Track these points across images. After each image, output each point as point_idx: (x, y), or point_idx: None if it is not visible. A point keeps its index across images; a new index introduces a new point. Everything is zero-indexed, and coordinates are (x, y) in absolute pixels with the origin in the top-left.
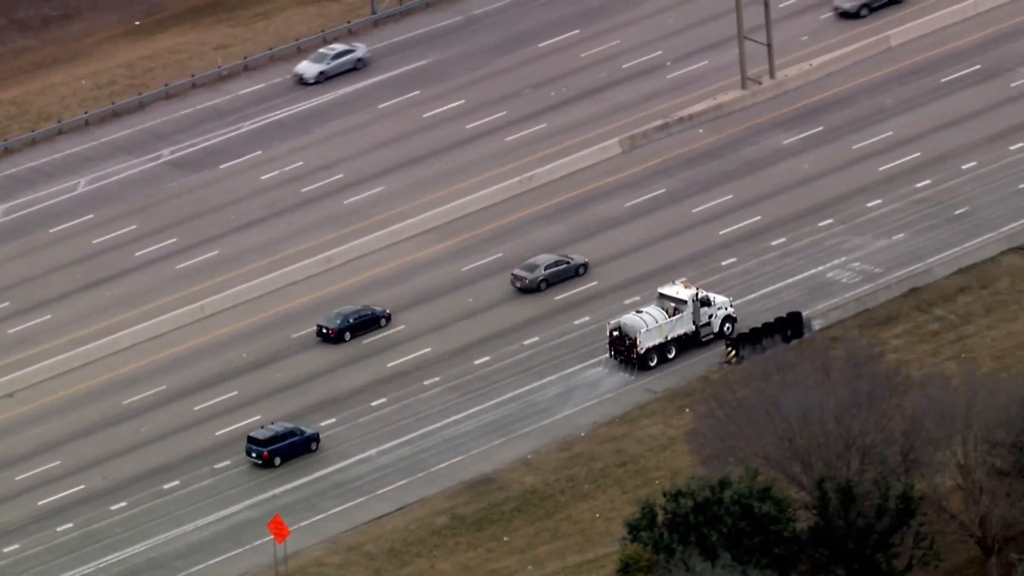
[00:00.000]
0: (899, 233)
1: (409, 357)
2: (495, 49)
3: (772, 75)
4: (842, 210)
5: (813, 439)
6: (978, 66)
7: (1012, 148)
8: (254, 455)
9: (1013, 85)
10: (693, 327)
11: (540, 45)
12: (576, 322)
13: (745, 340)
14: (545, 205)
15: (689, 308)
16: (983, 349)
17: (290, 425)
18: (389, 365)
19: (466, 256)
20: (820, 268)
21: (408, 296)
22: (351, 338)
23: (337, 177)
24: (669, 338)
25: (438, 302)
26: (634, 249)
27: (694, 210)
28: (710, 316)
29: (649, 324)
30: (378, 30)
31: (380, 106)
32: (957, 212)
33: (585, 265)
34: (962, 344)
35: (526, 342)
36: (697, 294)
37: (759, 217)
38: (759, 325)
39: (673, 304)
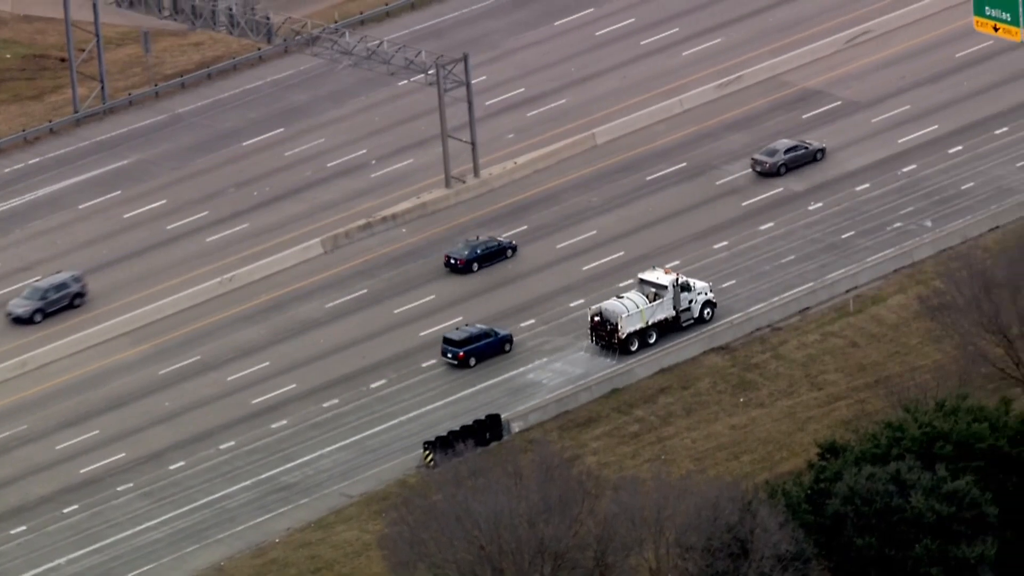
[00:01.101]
0: None
1: (103, 463)
2: (199, 148)
3: (476, 174)
4: (546, 309)
5: (504, 545)
6: (684, 164)
7: (716, 247)
8: (449, 355)
9: (718, 183)
10: (673, 312)
11: (244, 144)
12: (273, 425)
13: (442, 443)
14: (246, 306)
15: (669, 293)
16: (682, 451)
17: (484, 326)
18: (82, 471)
19: (163, 359)
20: (522, 369)
21: (102, 401)
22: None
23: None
24: (650, 323)
25: (133, 407)
26: (335, 351)
27: (396, 311)
28: (690, 301)
29: (630, 309)
30: (81, 129)
31: (81, 206)
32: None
33: (823, 151)
34: (662, 446)
35: (223, 446)
36: (677, 279)
37: (460, 318)
38: (457, 428)
39: (654, 289)
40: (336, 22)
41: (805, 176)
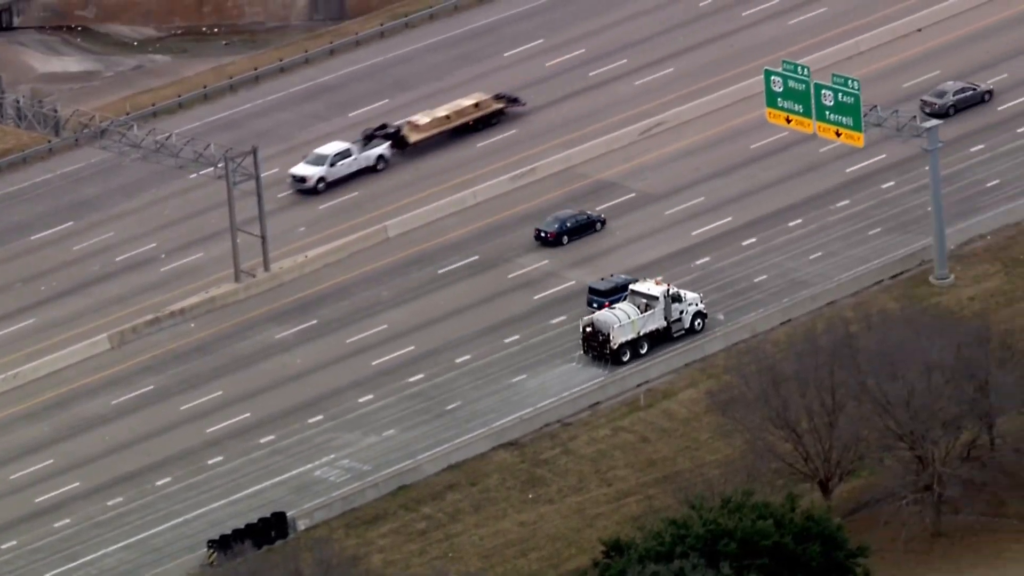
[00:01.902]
0: (390, 429)
1: None
2: None
3: (267, 268)
4: (334, 406)
5: None
6: (476, 257)
7: (507, 341)
8: (595, 306)
9: (510, 276)
10: (664, 323)
11: (32, 238)
12: (56, 524)
13: (225, 542)
14: (30, 403)
15: (661, 304)
16: (470, 548)
17: (628, 277)
18: None
19: None
20: (309, 466)
21: None
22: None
23: None
24: (641, 334)
25: None
26: (120, 448)
27: (182, 407)
28: (681, 312)
29: (622, 320)
30: None
31: None
32: (449, 407)
33: (991, 92)
34: (449, 543)
35: (4, 546)
36: (668, 290)
37: (248, 414)
38: (242, 526)
39: (645, 300)
40: (128, 114)
41: (600, 268)
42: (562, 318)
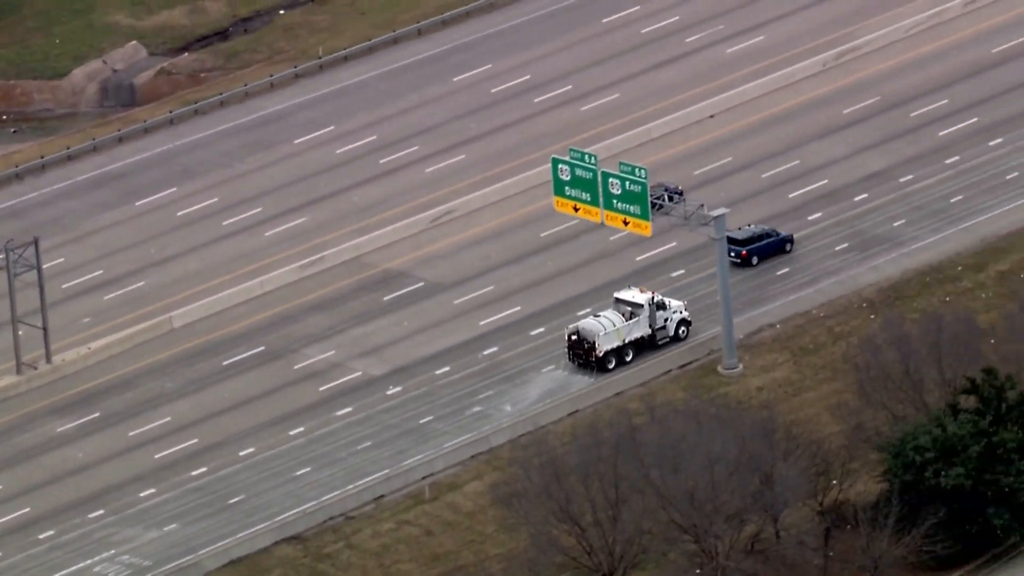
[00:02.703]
0: (172, 523)
1: None
2: None
3: (49, 360)
4: (115, 500)
5: None
6: (262, 347)
7: (291, 433)
8: (733, 254)
9: (296, 367)
10: (649, 330)
11: None
12: None
13: None
14: None
15: (645, 312)
16: None
17: (766, 226)
18: None
19: None
20: (88, 562)
21: None
22: None
23: None
24: (626, 341)
25: None
26: None
27: None
28: (666, 320)
29: (607, 328)
30: None
31: None
32: (232, 501)
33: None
34: None
35: None
36: (653, 298)
37: (28, 509)
38: None
39: (629, 308)
40: None
41: (387, 359)
42: (348, 409)
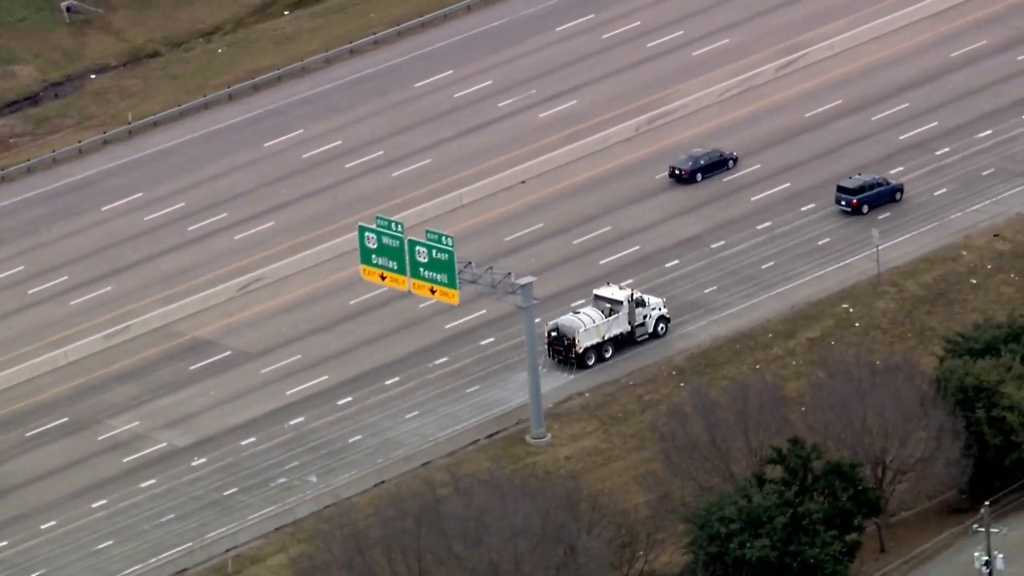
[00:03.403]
0: None
1: None
2: None
3: None
4: None
5: None
6: (66, 418)
7: (94, 505)
8: (843, 203)
9: (101, 438)
10: (629, 327)
11: None
12: None
13: None
14: None
15: (625, 309)
16: None
17: (877, 176)
18: None
19: None
20: None
21: None
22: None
23: None
24: (606, 338)
25: None
26: None
27: None
28: (645, 316)
29: (587, 324)
30: None
31: None
32: (33, 575)
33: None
34: None
35: None
36: (632, 295)
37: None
38: None
39: (609, 305)
40: None
41: (193, 429)
42: (152, 481)
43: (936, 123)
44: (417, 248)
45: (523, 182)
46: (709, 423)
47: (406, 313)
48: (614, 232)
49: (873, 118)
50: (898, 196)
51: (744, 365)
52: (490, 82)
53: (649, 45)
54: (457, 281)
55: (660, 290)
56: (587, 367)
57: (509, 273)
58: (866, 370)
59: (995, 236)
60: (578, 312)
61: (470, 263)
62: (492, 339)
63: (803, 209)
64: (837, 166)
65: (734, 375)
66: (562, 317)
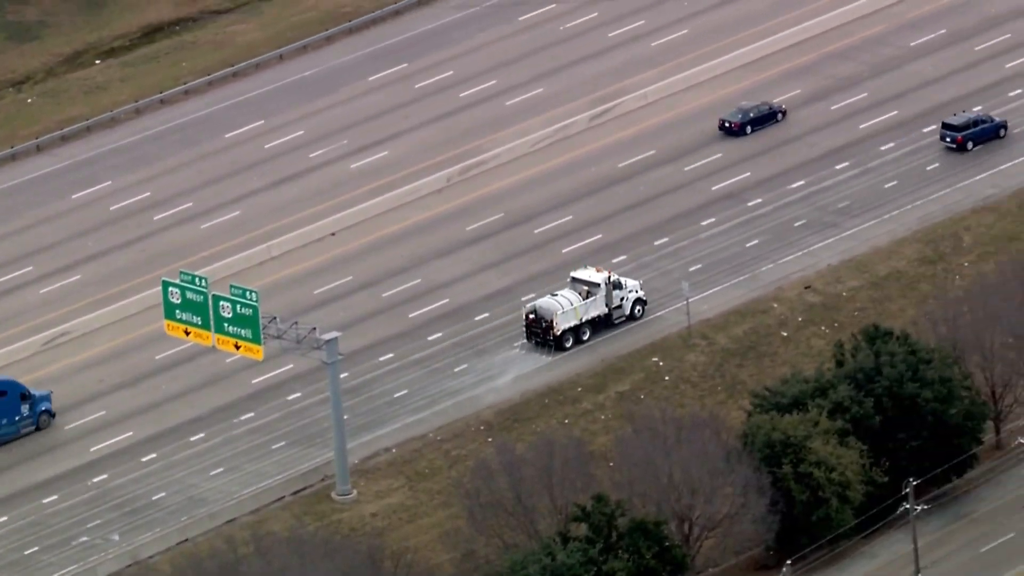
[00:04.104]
0: None
1: None
2: None
3: None
4: None
5: None
6: None
7: None
8: (948, 140)
9: None
10: (606, 309)
11: None
12: None
13: None
14: None
15: (602, 291)
16: None
17: (982, 113)
18: None
19: None
20: None
21: None
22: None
23: None
24: (584, 320)
25: None
26: None
27: None
28: (622, 299)
29: (565, 307)
30: None
31: None
32: None
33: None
34: None
35: None
36: (609, 277)
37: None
38: None
39: (586, 287)
40: None
41: None
42: None
43: (749, 173)
44: (221, 303)
45: (333, 234)
46: (514, 480)
47: (213, 368)
48: (424, 284)
49: (686, 168)
50: (1002, 133)
51: (553, 420)
52: (302, 132)
53: (462, 95)
54: (261, 336)
55: (469, 343)
56: (565, 349)
57: (314, 328)
58: (672, 425)
59: (806, 288)
60: (556, 295)
61: (275, 318)
62: (299, 394)
63: (615, 261)
64: (649, 216)
65: (542, 430)
66: (540, 300)
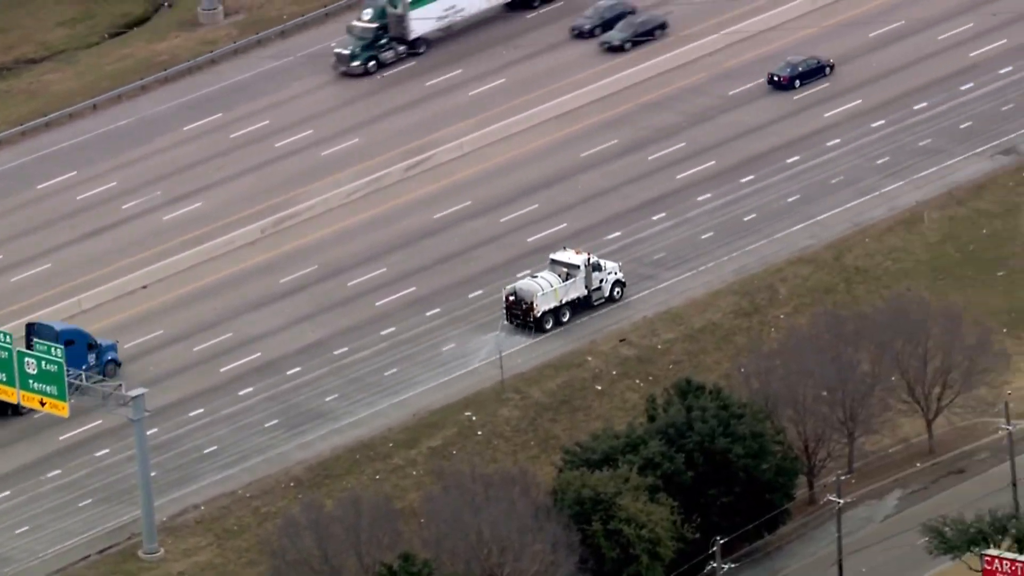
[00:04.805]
0: None
1: None
2: None
3: None
4: None
5: None
6: None
7: None
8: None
9: None
10: (585, 291)
11: None
12: None
13: None
14: None
15: (581, 273)
16: None
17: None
18: None
19: None
20: None
21: None
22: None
23: None
24: (563, 302)
25: None
26: None
27: None
28: (601, 281)
29: (544, 288)
30: None
31: None
32: None
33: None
34: None
35: None
36: (589, 259)
37: None
38: None
39: (566, 269)
40: None
41: None
42: None
43: (565, 224)
44: (26, 359)
45: (144, 287)
46: (321, 537)
47: (20, 422)
48: (235, 338)
49: (502, 219)
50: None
51: (364, 476)
52: (115, 183)
53: (277, 145)
54: (67, 393)
55: (281, 398)
56: (545, 331)
57: (120, 384)
58: (481, 482)
59: (621, 341)
60: (536, 276)
61: (81, 374)
62: (108, 450)
63: (428, 314)
64: (466, 269)
65: (353, 486)
66: (520, 281)
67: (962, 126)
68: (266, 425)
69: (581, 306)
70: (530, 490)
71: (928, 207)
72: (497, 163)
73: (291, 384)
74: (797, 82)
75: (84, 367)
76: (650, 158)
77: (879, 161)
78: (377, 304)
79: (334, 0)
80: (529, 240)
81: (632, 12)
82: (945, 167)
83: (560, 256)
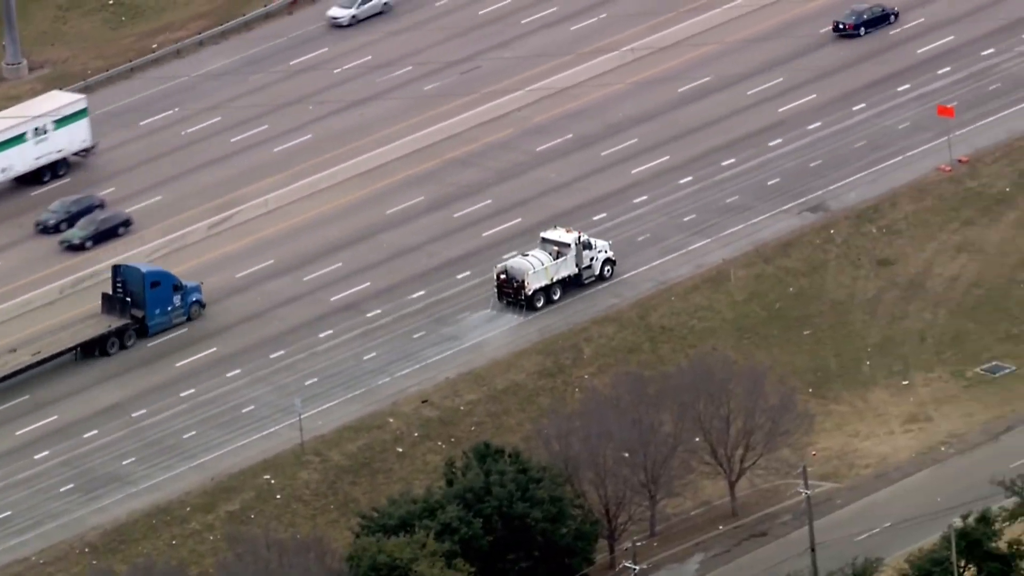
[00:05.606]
0: None
1: None
2: None
3: None
4: None
5: None
6: None
7: None
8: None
9: None
10: (576, 269)
11: None
12: None
13: None
14: None
15: (572, 251)
16: None
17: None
18: None
19: None
20: None
21: None
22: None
23: None
24: (554, 280)
25: None
26: None
27: None
28: (591, 259)
29: (536, 266)
30: None
31: None
32: None
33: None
34: None
35: None
36: (579, 237)
37: None
38: None
39: (556, 247)
40: None
41: None
42: None
43: (369, 283)
44: None
45: None
46: None
47: None
48: (31, 402)
49: (305, 278)
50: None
51: (160, 541)
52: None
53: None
54: None
55: (76, 462)
56: (536, 309)
57: None
58: (275, 549)
59: (423, 402)
60: (527, 254)
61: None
62: None
63: (228, 375)
64: (265, 330)
65: (148, 551)
66: (511, 260)
67: (770, 182)
68: (61, 490)
69: (572, 284)
70: (325, 557)
71: (734, 265)
72: (302, 219)
73: (85, 448)
74: (862, 29)
75: (169, 308)
76: (455, 215)
77: (686, 219)
78: (177, 365)
79: (140, 54)
80: (332, 299)
81: (100, 206)
82: (752, 224)
83: (551, 234)
